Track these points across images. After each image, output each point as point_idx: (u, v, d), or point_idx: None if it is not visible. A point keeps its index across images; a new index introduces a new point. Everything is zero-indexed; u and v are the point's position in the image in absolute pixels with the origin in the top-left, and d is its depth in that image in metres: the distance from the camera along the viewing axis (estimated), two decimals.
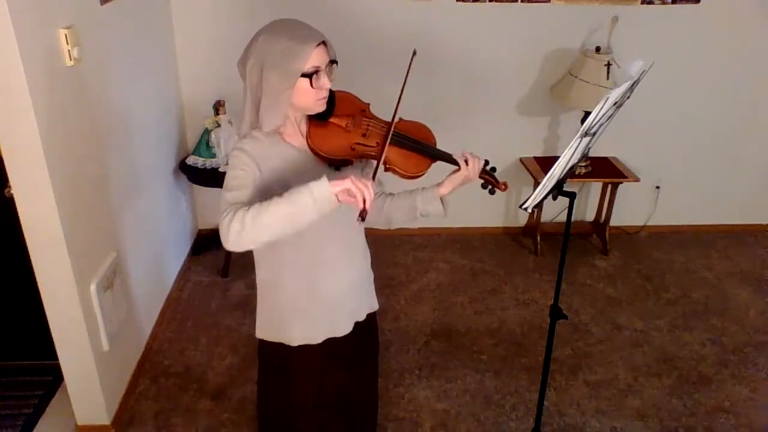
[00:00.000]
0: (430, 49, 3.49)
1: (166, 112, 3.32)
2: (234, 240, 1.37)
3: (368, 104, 1.67)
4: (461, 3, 3.44)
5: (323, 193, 1.34)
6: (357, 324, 1.78)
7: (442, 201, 1.70)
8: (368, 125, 1.62)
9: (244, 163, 1.50)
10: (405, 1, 3.41)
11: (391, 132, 1.58)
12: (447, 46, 3.52)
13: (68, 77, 2.12)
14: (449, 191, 1.70)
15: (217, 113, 3.39)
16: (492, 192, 1.73)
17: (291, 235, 1.42)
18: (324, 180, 1.34)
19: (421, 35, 3.46)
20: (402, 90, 1.60)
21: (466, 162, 1.65)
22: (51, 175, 1.99)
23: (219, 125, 3.35)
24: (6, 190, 2.08)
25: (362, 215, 1.35)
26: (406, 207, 1.74)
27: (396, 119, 1.63)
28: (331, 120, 1.59)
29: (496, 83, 3.65)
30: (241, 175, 1.48)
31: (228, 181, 1.49)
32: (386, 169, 1.62)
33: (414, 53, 1.66)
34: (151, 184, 3.05)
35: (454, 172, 1.68)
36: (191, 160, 3.37)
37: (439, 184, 1.70)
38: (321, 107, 1.54)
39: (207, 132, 3.38)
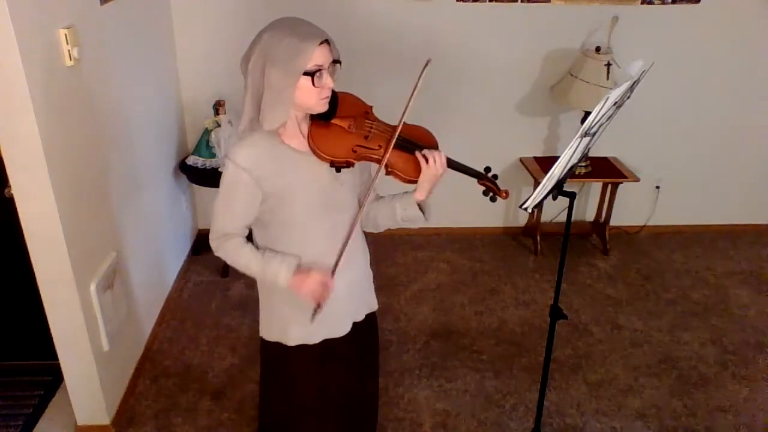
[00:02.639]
0: (430, 49, 3.49)
1: (166, 112, 3.32)
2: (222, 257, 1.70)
3: (371, 106, 1.65)
4: (461, 3, 3.44)
5: (281, 283, 1.60)
6: (356, 324, 1.78)
7: (420, 206, 1.67)
8: (371, 128, 1.60)
9: (244, 190, 1.54)
10: (405, 1, 3.41)
11: (395, 137, 1.56)
12: (447, 46, 3.52)
13: (68, 77, 2.12)
14: (425, 196, 1.64)
15: (217, 113, 3.39)
16: (493, 199, 1.70)
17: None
18: (287, 273, 1.59)
19: (421, 35, 3.46)
20: (410, 98, 1.56)
21: (426, 160, 1.56)
22: (51, 175, 1.99)
23: (219, 125, 3.35)
24: (6, 190, 2.08)
25: (314, 312, 1.62)
26: (387, 212, 1.71)
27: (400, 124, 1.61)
28: (334, 121, 1.57)
29: (496, 83, 3.65)
30: (238, 206, 1.57)
31: (224, 201, 1.58)
32: (387, 173, 1.60)
33: (428, 62, 1.54)
34: (151, 184, 3.05)
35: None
36: (191, 160, 3.37)
37: (414, 189, 1.64)
38: (323, 107, 1.53)
39: (207, 132, 3.38)
